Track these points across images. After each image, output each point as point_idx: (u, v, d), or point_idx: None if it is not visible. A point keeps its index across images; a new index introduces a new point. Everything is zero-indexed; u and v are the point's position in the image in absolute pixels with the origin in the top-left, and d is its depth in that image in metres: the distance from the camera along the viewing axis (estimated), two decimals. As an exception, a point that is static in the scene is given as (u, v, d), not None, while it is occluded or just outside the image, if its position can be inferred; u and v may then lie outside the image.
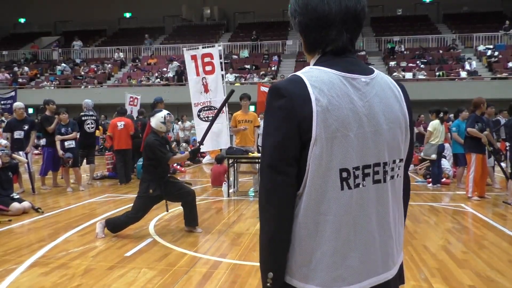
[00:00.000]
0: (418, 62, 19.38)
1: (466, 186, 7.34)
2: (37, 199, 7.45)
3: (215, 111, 7.82)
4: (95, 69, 22.38)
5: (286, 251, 1.17)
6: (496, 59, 18.75)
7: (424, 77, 17.90)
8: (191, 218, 5.16)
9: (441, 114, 8.54)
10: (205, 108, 7.92)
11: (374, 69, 1.26)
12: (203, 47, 7.96)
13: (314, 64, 1.23)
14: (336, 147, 1.12)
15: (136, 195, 5.10)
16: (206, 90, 7.88)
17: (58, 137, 8.20)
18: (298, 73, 1.18)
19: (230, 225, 5.55)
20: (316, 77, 1.15)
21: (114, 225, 4.95)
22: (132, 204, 5.10)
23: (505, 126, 7.28)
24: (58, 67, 22.70)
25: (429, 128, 8.48)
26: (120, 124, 9.22)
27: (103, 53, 24.53)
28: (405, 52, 20.94)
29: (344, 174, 1.13)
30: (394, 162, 1.23)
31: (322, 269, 1.14)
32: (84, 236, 5.04)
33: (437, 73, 18.09)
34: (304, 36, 1.25)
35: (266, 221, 1.17)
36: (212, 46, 7.97)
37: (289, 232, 1.16)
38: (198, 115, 7.99)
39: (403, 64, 19.36)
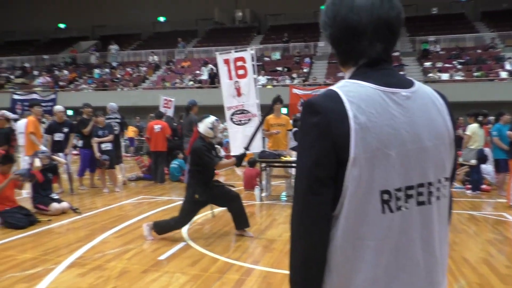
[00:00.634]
0: (454, 62, 18.74)
1: (508, 194, 7.02)
2: (75, 199, 7.70)
3: (248, 114, 7.89)
4: (131, 72, 22.96)
5: (321, 276, 1.12)
6: (540, 58, 17.90)
7: (461, 78, 17.29)
8: (242, 221, 5.21)
9: (480, 118, 8.22)
10: (238, 112, 7.95)
11: (414, 80, 1.19)
12: (235, 51, 8.00)
13: (350, 78, 1.17)
14: (377, 167, 1.06)
15: (182, 199, 5.20)
16: (239, 94, 7.91)
17: (95, 140, 8.46)
18: (334, 87, 1.13)
19: (262, 230, 5.53)
20: (353, 92, 1.09)
21: (162, 228, 5.06)
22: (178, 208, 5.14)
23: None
24: (96, 71, 23.45)
25: (467, 132, 8.18)
26: (157, 127, 9.61)
27: (138, 57, 25.16)
28: (440, 52, 20.31)
29: (385, 196, 1.07)
30: (439, 181, 1.15)
31: None
32: (119, 238, 5.15)
33: (475, 74, 17.44)
34: (336, 48, 1.21)
35: (298, 243, 1.12)
36: (245, 50, 7.99)
37: (324, 256, 1.11)
38: (231, 119, 8.04)
39: (439, 64, 18.78)
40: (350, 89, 1.10)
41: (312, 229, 1.09)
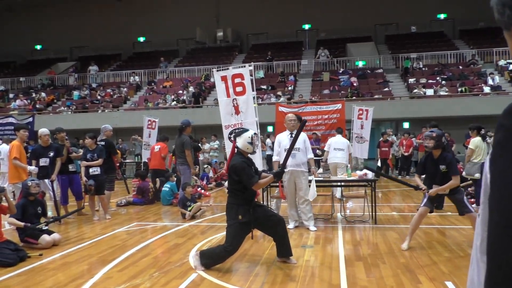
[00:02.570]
0: (438, 78, 18.99)
1: None
2: (63, 229, 7.12)
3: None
4: (111, 93, 22.38)
5: None
6: (519, 73, 18.32)
7: (446, 94, 17.47)
8: (284, 249, 4.81)
9: (482, 131, 8.15)
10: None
11: None
12: (233, 67, 7.73)
13: None
14: None
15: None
16: (237, 112, 7.61)
17: (83, 163, 7.94)
18: None
19: (276, 255, 5.13)
20: None
21: (209, 259, 4.60)
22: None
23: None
24: (75, 92, 22.74)
25: (471, 146, 8.06)
26: (157, 147, 10.32)
27: (118, 77, 24.61)
28: (423, 69, 20.57)
29: None
30: None
31: None
32: (123, 271, 4.66)
33: (459, 89, 17.68)
34: None
35: None
36: (243, 67, 7.73)
37: None
38: (229, 138, 7.68)
39: (423, 81, 18.96)
40: None
41: None
